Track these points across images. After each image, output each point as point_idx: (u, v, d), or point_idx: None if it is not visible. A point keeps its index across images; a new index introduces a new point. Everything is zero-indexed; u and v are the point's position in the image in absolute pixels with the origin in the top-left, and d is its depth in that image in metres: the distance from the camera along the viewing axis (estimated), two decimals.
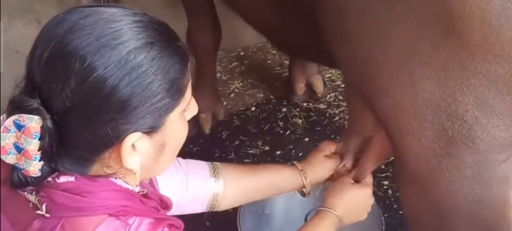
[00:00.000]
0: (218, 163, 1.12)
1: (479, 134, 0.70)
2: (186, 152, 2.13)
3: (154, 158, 0.77)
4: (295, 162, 1.21)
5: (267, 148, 2.12)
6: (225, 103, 2.36)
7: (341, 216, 1.07)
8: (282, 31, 1.21)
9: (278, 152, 2.10)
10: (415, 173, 0.81)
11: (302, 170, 1.18)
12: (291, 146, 2.12)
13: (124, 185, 0.79)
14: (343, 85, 2.44)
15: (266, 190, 1.17)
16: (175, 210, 1.00)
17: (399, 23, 0.72)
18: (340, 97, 2.40)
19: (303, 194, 1.22)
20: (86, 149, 0.73)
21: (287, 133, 2.20)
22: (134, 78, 0.69)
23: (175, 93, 0.74)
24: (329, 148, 1.23)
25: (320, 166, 1.20)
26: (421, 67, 0.72)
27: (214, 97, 2.18)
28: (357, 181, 1.15)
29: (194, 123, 2.23)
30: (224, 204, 1.11)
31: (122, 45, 0.69)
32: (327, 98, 2.39)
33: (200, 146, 2.14)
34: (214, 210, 1.11)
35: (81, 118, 0.70)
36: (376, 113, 0.85)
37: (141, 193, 0.82)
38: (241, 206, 1.38)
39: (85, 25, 0.69)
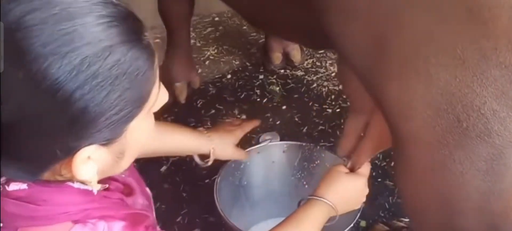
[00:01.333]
0: None
1: (496, 128, 0.66)
2: (161, 121, 2.06)
3: (112, 164, 0.69)
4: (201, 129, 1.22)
5: (244, 116, 2.08)
6: (200, 71, 2.30)
7: (334, 206, 1.03)
8: (260, 7, 1.14)
9: None
10: (423, 163, 0.77)
11: (208, 135, 1.18)
12: (269, 114, 2.08)
13: (83, 186, 0.72)
14: (321, 51, 2.40)
15: (171, 147, 1.14)
16: None
17: (418, 4, 0.68)
18: (318, 63, 2.36)
19: (202, 163, 1.21)
20: (32, 163, 0.65)
21: (264, 100, 2.16)
22: (87, 91, 0.59)
23: (138, 101, 0.64)
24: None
25: (228, 138, 1.21)
26: (438, 55, 0.68)
27: (188, 65, 2.11)
28: (352, 170, 1.11)
29: (169, 91, 2.19)
30: (124, 162, 1.05)
31: (74, 53, 0.58)
32: (305, 64, 2.35)
33: (175, 116, 2.08)
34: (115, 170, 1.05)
35: (26, 131, 0.60)
36: (379, 98, 0.80)
37: (102, 188, 0.75)
38: (217, 176, 1.34)
39: (31, 24, 0.57)
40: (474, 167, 0.70)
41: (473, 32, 0.65)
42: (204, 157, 1.21)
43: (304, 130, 2.01)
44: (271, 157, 1.46)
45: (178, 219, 1.69)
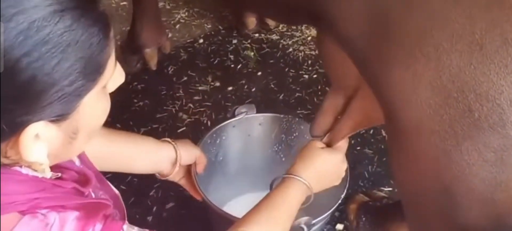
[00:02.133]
0: None
1: None
2: (130, 90, 1.98)
3: (65, 145, 0.63)
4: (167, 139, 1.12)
5: (217, 83, 2.00)
6: (170, 35, 2.19)
7: (309, 184, 0.97)
8: None
9: (230, 88, 1.98)
10: (426, 153, 0.72)
11: (175, 144, 1.10)
12: (244, 81, 2.00)
13: (32, 173, 0.65)
14: None
15: (123, 160, 1.05)
16: None
17: None
18: (293, 27, 2.27)
19: (163, 176, 1.13)
20: None
21: (239, 66, 2.07)
22: (35, 59, 0.53)
23: (92, 74, 0.59)
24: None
25: (191, 145, 1.15)
26: (452, 39, 0.63)
27: (158, 29, 2.01)
28: (329, 145, 1.05)
29: (139, 58, 2.09)
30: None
31: (22, 16, 0.52)
32: (280, 28, 2.27)
33: (146, 83, 1.99)
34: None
35: None
36: (379, 83, 0.74)
37: (54, 177, 0.68)
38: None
39: None
40: (482, 158, 0.66)
41: (494, 15, 0.60)
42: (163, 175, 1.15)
43: (280, 97, 1.94)
44: (247, 130, 1.38)
45: (151, 193, 1.62)
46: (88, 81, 0.58)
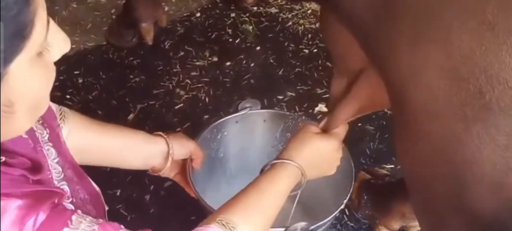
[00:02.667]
0: (66, 109, 0.92)
1: None
2: (126, 65, 1.93)
3: (2, 122, 0.56)
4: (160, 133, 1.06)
5: (215, 58, 1.95)
6: (166, 8, 2.13)
7: (302, 168, 0.92)
8: None
9: (228, 63, 1.93)
10: (434, 137, 0.69)
11: (168, 139, 1.04)
12: (242, 56, 1.96)
13: None
14: None
15: (115, 154, 1.00)
16: None
17: None
18: None
19: (155, 171, 1.08)
20: None
21: (237, 41, 2.02)
22: None
23: (14, 38, 0.52)
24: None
25: (185, 140, 1.09)
26: (462, 19, 0.60)
27: (154, 2, 1.95)
28: (326, 131, 0.99)
29: (134, 32, 2.04)
30: None
31: None
32: (279, 1, 2.21)
33: (141, 59, 1.95)
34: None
35: None
36: (385, 64, 0.71)
37: None
38: None
39: None
40: (494, 142, 0.63)
41: None
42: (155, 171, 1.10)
43: (280, 72, 1.90)
44: (251, 126, 1.32)
45: (147, 171, 1.58)
46: (10, 46, 0.52)
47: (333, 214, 1.09)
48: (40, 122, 0.81)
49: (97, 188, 0.89)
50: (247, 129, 1.31)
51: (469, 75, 0.61)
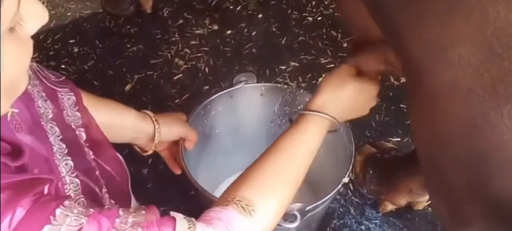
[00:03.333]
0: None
1: None
2: (123, 34, 1.87)
3: None
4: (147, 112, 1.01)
5: (215, 26, 1.88)
6: None
7: (334, 118, 0.84)
8: None
9: (229, 31, 1.86)
10: (460, 117, 0.63)
11: (156, 120, 1.00)
12: (243, 24, 1.89)
13: None
14: None
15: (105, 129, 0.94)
16: None
17: None
18: None
19: (142, 151, 1.05)
20: None
21: (238, 8, 1.95)
22: None
23: None
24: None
25: (175, 123, 1.04)
26: None
27: None
28: (360, 72, 0.89)
29: (131, 0, 1.97)
30: None
31: None
32: None
33: (139, 27, 1.88)
34: None
35: None
36: (406, 39, 0.64)
37: None
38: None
39: None
40: None
41: None
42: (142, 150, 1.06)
43: (283, 41, 1.83)
44: (247, 101, 1.25)
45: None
46: None
47: (330, 195, 1.04)
48: (45, 99, 0.76)
49: (119, 156, 0.87)
50: (243, 104, 1.25)
51: (504, 50, 0.55)
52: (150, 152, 1.04)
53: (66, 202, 0.60)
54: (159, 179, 1.46)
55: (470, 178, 0.66)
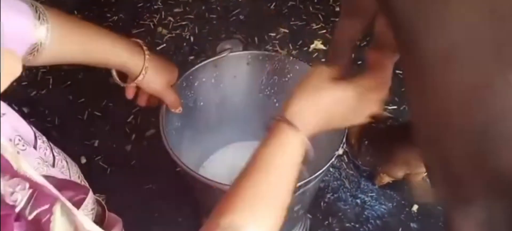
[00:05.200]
0: (40, 5, 0.77)
1: None
2: (103, 3, 1.77)
3: None
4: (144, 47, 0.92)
5: None
6: None
7: (312, 133, 0.72)
8: None
9: None
10: (459, 84, 0.56)
11: (147, 57, 0.91)
12: None
13: None
14: None
15: (92, 57, 0.86)
16: None
17: None
18: None
19: (120, 81, 0.96)
20: None
21: None
22: None
23: None
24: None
25: (165, 75, 0.96)
26: None
27: None
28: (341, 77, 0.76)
29: None
30: (41, 59, 0.79)
31: None
32: None
33: None
34: (28, 64, 0.80)
35: None
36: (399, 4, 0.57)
37: None
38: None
39: None
40: None
41: None
42: (122, 76, 0.95)
43: (272, 6, 1.74)
44: (233, 70, 1.15)
45: (129, 119, 1.46)
46: None
47: (323, 169, 0.96)
48: None
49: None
50: (228, 73, 1.16)
51: (507, 8, 0.49)
52: (125, 85, 0.96)
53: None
54: (143, 156, 1.39)
55: (471, 151, 0.60)
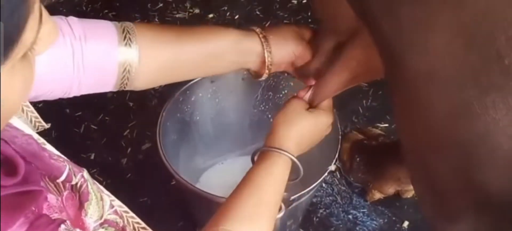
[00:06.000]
0: (129, 24, 0.76)
1: None
2: (101, 18, 1.80)
3: None
4: (254, 28, 0.85)
5: (197, 10, 1.82)
6: None
7: (294, 153, 0.80)
8: None
9: (211, 15, 1.80)
10: (441, 106, 0.58)
11: (263, 36, 0.82)
12: (225, 7, 1.82)
13: None
14: None
15: (198, 63, 0.81)
16: (71, 91, 0.74)
17: None
18: None
19: (255, 75, 0.88)
20: None
21: None
22: None
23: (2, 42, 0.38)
24: (306, 31, 0.88)
25: (290, 45, 0.84)
26: None
27: None
28: (312, 103, 0.86)
29: None
30: (139, 82, 0.77)
31: None
32: None
33: (118, 10, 1.81)
34: (127, 88, 0.78)
35: None
36: (379, 22, 0.59)
37: None
38: (162, 111, 1.08)
39: None
40: None
41: None
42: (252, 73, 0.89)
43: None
44: (228, 86, 1.19)
45: (125, 133, 1.48)
46: None
47: (315, 184, 0.99)
48: None
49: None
50: (224, 89, 1.19)
51: (485, 37, 0.51)
52: (265, 76, 0.87)
53: (62, 228, 0.53)
54: (138, 169, 1.41)
55: (456, 170, 0.62)
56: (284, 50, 0.84)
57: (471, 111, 0.55)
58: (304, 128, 0.83)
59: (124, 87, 0.77)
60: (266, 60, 0.83)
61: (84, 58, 0.71)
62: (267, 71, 0.85)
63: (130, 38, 0.74)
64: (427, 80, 0.58)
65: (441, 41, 0.54)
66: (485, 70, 0.53)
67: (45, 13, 0.44)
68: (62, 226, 0.53)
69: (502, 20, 0.49)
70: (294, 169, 0.81)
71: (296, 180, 0.84)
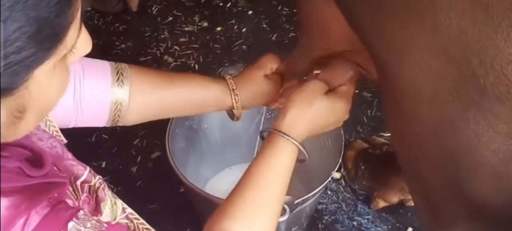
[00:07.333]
0: (123, 64, 0.83)
1: None
2: (112, 32, 1.85)
3: (7, 126, 0.49)
4: (226, 75, 0.93)
5: (205, 23, 1.86)
6: None
7: (304, 137, 0.80)
8: None
9: (219, 28, 1.84)
10: (426, 119, 0.61)
11: (233, 89, 0.90)
12: (233, 21, 1.87)
13: None
14: None
15: (182, 108, 0.90)
16: (69, 124, 0.79)
17: None
18: None
19: (231, 117, 0.95)
20: None
21: (228, 5, 1.93)
22: None
23: (46, 41, 0.45)
24: (271, 64, 0.93)
25: (257, 87, 0.92)
26: None
27: None
28: (330, 86, 0.84)
29: None
30: (129, 119, 0.84)
31: None
32: None
33: (128, 24, 1.86)
34: (117, 124, 0.85)
35: None
36: (370, 37, 0.63)
37: None
38: (171, 119, 1.13)
39: None
40: (493, 130, 0.56)
41: None
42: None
43: (273, 38, 1.82)
44: None
45: (135, 142, 1.52)
46: (41, 50, 0.45)
47: (319, 188, 1.02)
48: None
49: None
50: None
51: (460, 56, 0.53)
52: (239, 116, 0.95)
53: (81, 213, 0.57)
54: (148, 177, 1.44)
55: (447, 179, 0.64)
56: (253, 96, 0.93)
57: (455, 126, 0.58)
58: (320, 111, 0.81)
59: (116, 124, 0.84)
60: (235, 106, 0.91)
61: (82, 95, 0.78)
62: (238, 115, 0.94)
63: (122, 80, 0.81)
64: (414, 94, 0.60)
65: (423, 58, 0.56)
66: (464, 87, 0.55)
67: (82, 25, 0.50)
68: (81, 211, 0.57)
69: (474, 43, 0.52)
70: (300, 153, 0.80)
71: (303, 161, 0.82)
